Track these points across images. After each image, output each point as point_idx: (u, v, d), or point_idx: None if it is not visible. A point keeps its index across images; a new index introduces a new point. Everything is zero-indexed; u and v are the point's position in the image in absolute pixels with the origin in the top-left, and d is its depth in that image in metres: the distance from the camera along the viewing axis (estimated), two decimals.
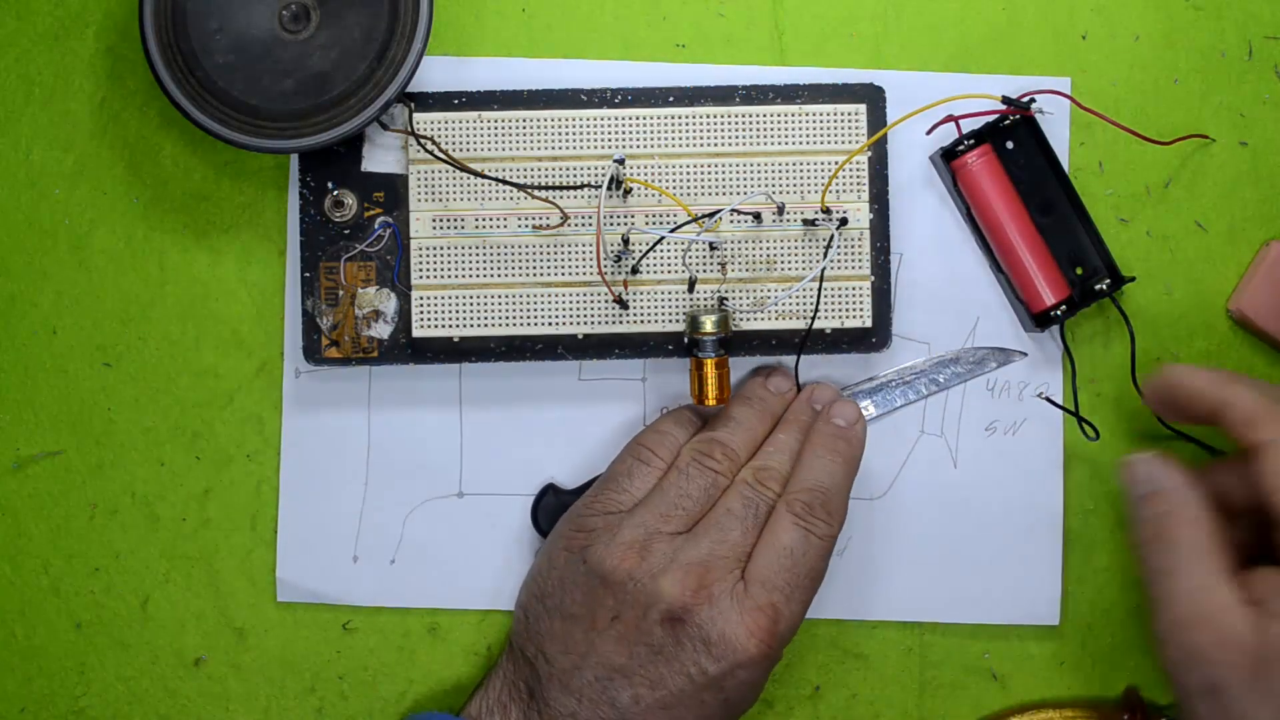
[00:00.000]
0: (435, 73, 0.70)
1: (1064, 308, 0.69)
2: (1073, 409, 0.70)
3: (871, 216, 0.69)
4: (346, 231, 0.69)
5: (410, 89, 0.68)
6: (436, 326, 0.69)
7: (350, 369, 0.70)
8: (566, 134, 0.69)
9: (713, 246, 0.69)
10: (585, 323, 0.69)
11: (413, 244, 0.69)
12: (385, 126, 0.68)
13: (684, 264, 0.69)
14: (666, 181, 0.69)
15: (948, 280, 0.71)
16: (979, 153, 0.69)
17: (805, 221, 0.69)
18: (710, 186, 0.69)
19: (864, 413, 0.70)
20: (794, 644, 0.71)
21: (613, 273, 0.69)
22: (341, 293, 0.69)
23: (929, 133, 0.70)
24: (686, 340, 0.68)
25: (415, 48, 0.66)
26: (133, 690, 0.71)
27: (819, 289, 0.69)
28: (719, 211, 0.68)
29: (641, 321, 0.69)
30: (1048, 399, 0.70)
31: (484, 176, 0.68)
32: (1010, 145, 0.70)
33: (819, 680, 0.72)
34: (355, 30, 0.66)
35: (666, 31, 0.71)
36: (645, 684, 0.64)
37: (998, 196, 0.69)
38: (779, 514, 0.66)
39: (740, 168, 0.69)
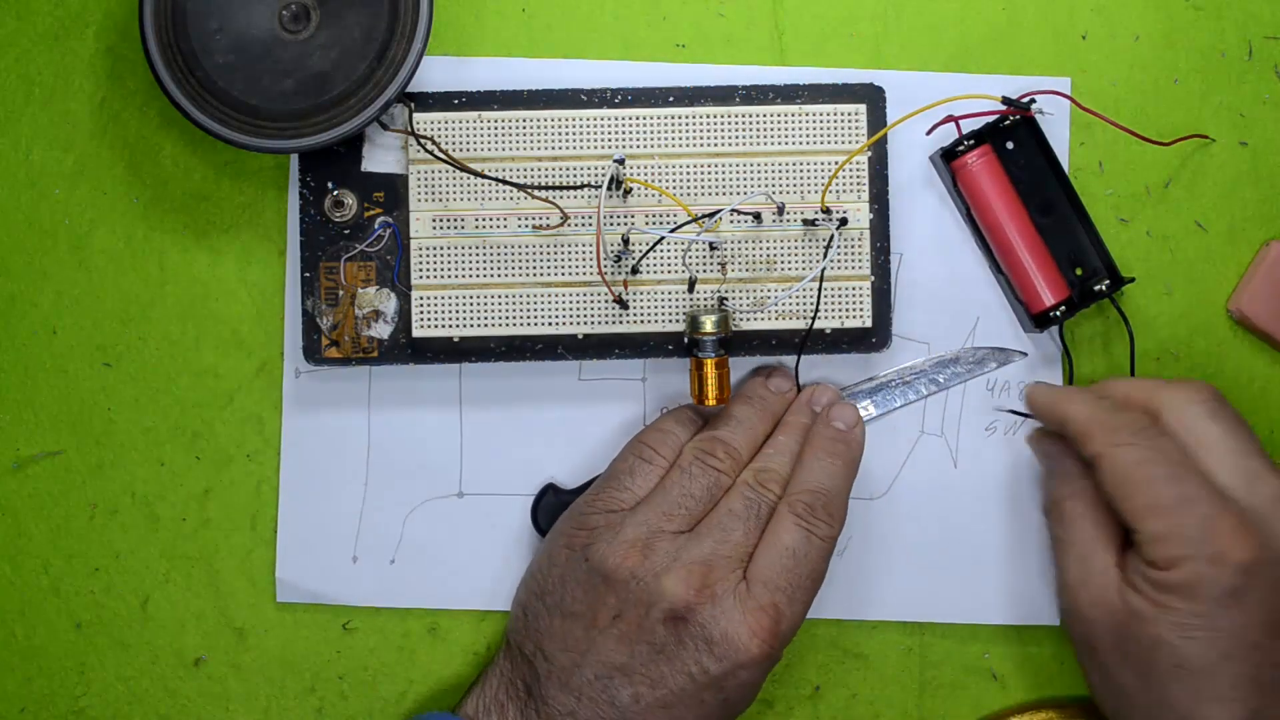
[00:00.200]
0: (435, 73, 0.70)
1: (1063, 308, 0.69)
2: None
3: (871, 216, 0.69)
4: (346, 231, 0.69)
5: (410, 89, 0.68)
6: (436, 326, 0.69)
7: (350, 369, 0.70)
8: (566, 134, 0.69)
9: (713, 246, 0.69)
10: (585, 323, 0.69)
11: (413, 244, 0.69)
12: (385, 126, 0.68)
13: (684, 264, 0.69)
14: (666, 181, 0.69)
15: (948, 280, 0.71)
16: (979, 153, 0.69)
17: (805, 221, 0.69)
18: (710, 186, 0.69)
19: (864, 413, 0.70)
20: (794, 644, 0.71)
21: (613, 273, 0.69)
22: (341, 293, 0.69)
23: (929, 133, 0.70)
24: (686, 340, 0.69)
25: (415, 48, 0.66)
26: (133, 690, 0.71)
27: (819, 289, 0.69)
28: (719, 211, 0.68)
29: (641, 321, 0.69)
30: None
31: (484, 176, 0.68)
32: (1010, 145, 0.70)
33: (819, 680, 0.72)
34: (355, 30, 0.66)
35: (666, 31, 0.71)
36: (646, 683, 0.64)
37: (997, 197, 0.69)
38: (781, 515, 0.66)
39: (740, 168, 0.69)
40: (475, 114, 0.69)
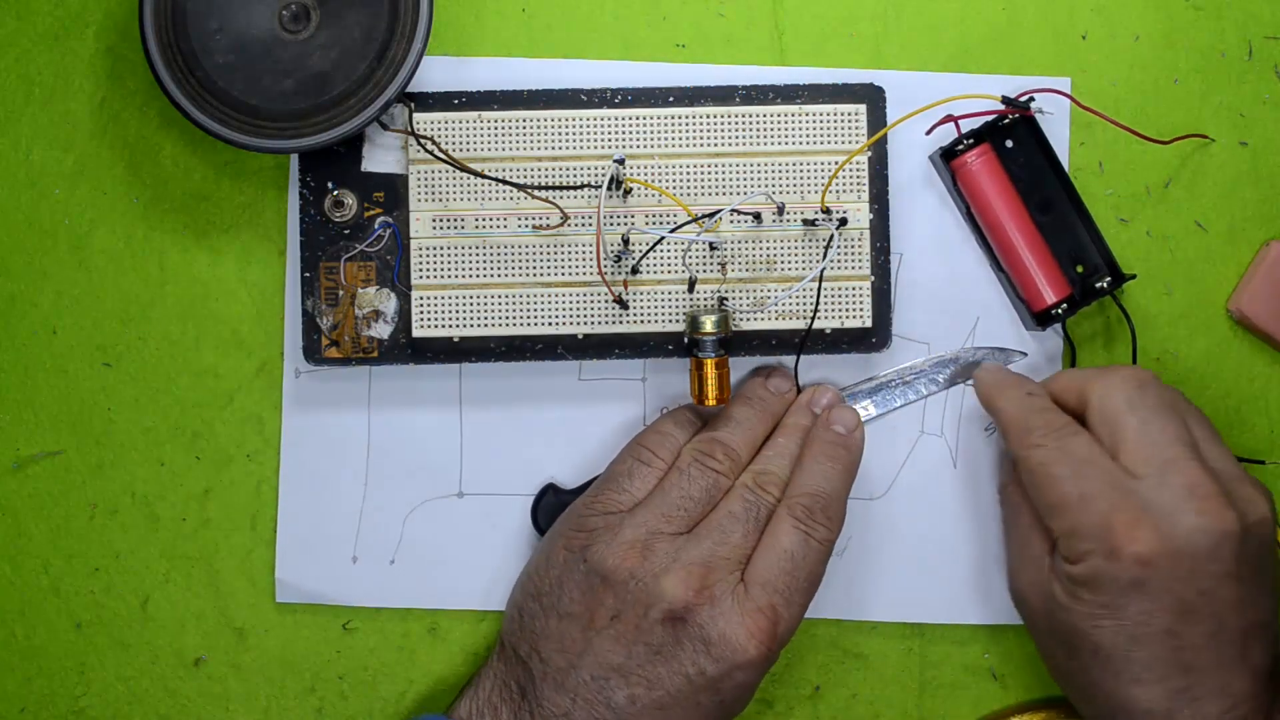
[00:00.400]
0: (435, 73, 0.70)
1: (1065, 306, 0.69)
2: None
3: (871, 216, 0.69)
4: (346, 231, 0.69)
5: (410, 89, 0.68)
6: (436, 326, 0.69)
7: (350, 369, 0.70)
8: (566, 134, 0.69)
9: (713, 246, 0.69)
10: (585, 323, 0.69)
11: (413, 244, 0.69)
12: (385, 126, 0.68)
13: (684, 264, 0.69)
14: (666, 181, 0.69)
15: (948, 280, 0.71)
16: (978, 152, 0.69)
17: (805, 221, 0.69)
18: (710, 186, 0.69)
19: (864, 413, 0.70)
20: (794, 644, 0.71)
21: (613, 273, 0.69)
22: (341, 293, 0.69)
23: (929, 133, 0.70)
24: (686, 340, 0.68)
25: (415, 48, 0.66)
26: (133, 690, 0.71)
27: (819, 289, 0.69)
28: (719, 211, 0.68)
29: (641, 321, 0.69)
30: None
31: (484, 176, 0.68)
32: (1009, 144, 0.70)
33: (819, 680, 0.72)
34: (355, 30, 0.66)
35: (666, 31, 0.71)
36: (642, 684, 0.64)
37: (997, 195, 0.69)
38: (779, 517, 0.66)
39: (740, 168, 0.69)
40: (475, 114, 0.69)
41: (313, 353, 0.69)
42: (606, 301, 0.69)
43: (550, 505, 0.70)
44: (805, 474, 0.67)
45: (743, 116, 0.69)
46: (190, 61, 0.66)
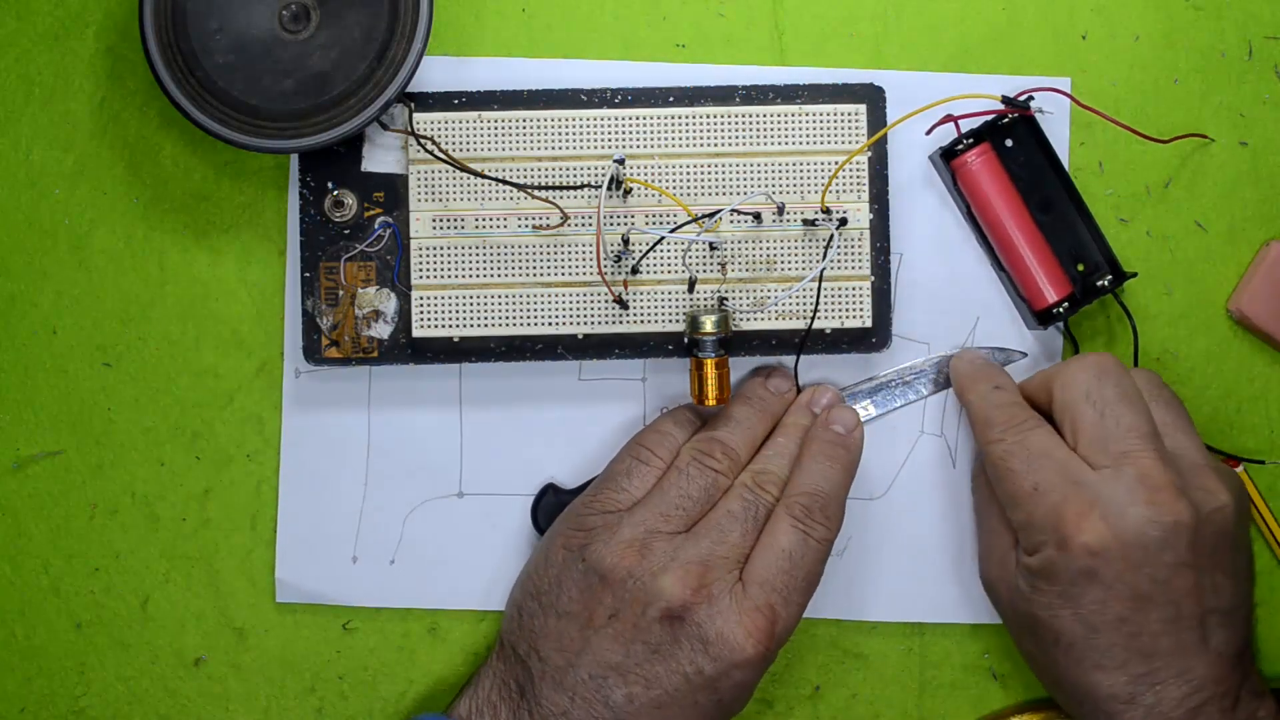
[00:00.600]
0: (435, 73, 0.70)
1: (1066, 305, 0.69)
2: None
3: (871, 216, 0.69)
4: (346, 231, 0.69)
5: (410, 89, 0.68)
6: (436, 326, 0.69)
7: (350, 369, 0.70)
8: (566, 134, 0.69)
9: (713, 246, 0.69)
10: (585, 323, 0.69)
11: (413, 244, 0.69)
12: (385, 126, 0.68)
13: (684, 264, 0.69)
14: (666, 181, 0.69)
15: (948, 280, 0.71)
16: (978, 151, 0.69)
17: (805, 221, 0.69)
18: (710, 186, 0.69)
19: (864, 413, 0.70)
20: (794, 644, 0.71)
21: (613, 273, 0.69)
22: (341, 293, 0.69)
23: (928, 132, 0.70)
24: (686, 340, 0.68)
25: (415, 48, 0.66)
26: (133, 690, 0.71)
27: (819, 289, 0.69)
28: (719, 211, 0.68)
29: (641, 321, 0.69)
30: None
31: (484, 176, 0.68)
32: (1009, 144, 0.70)
33: (819, 680, 0.72)
34: (355, 30, 0.66)
35: (666, 31, 0.71)
36: (640, 683, 0.64)
37: (998, 194, 0.69)
38: (778, 517, 0.66)
39: (740, 168, 0.69)
40: (475, 114, 0.69)
41: (313, 353, 0.69)
42: (606, 301, 0.69)
43: (550, 505, 0.70)
44: (804, 473, 0.67)
45: (743, 116, 0.69)
46: (190, 61, 0.66)
